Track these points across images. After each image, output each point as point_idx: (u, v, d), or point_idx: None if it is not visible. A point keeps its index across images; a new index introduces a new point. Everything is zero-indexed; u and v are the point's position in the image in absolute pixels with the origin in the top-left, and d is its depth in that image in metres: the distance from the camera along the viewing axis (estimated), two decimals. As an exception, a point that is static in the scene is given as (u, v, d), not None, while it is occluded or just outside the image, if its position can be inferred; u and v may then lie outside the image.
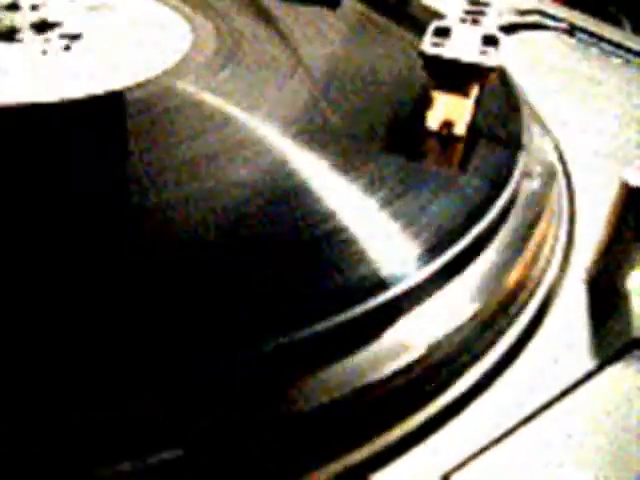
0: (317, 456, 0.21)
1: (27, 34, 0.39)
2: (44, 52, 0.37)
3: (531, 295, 0.28)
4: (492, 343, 0.26)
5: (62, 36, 0.39)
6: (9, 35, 0.39)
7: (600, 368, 0.26)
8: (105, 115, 0.33)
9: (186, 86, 0.34)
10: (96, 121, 0.32)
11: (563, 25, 0.54)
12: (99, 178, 0.28)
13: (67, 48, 0.38)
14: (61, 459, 0.18)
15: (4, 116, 0.32)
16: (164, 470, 0.19)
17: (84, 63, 0.36)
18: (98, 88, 0.34)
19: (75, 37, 0.39)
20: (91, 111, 0.33)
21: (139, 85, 0.34)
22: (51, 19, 0.40)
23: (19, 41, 0.38)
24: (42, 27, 0.39)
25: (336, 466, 0.21)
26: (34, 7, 0.41)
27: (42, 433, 0.18)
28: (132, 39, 0.40)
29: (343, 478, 0.21)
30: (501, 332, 0.26)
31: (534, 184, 0.31)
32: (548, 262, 0.30)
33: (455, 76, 0.30)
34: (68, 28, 0.40)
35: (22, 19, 0.40)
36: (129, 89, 0.34)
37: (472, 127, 0.31)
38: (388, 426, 0.22)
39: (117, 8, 0.43)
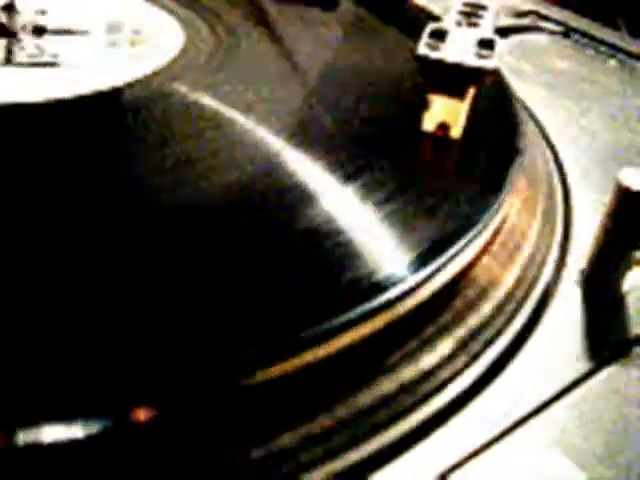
0: (316, 455, 0.21)
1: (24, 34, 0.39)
2: (36, 51, 0.37)
3: (527, 296, 0.28)
4: (489, 343, 0.26)
5: (54, 34, 0.39)
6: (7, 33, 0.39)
7: (596, 369, 0.26)
8: (93, 115, 0.33)
9: (175, 87, 0.34)
10: (84, 121, 0.32)
11: (558, 27, 0.54)
12: (88, 180, 0.28)
13: (57, 52, 0.38)
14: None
15: None
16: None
17: (74, 63, 0.37)
18: (87, 88, 0.34)
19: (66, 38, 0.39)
20: (79, 111, 0.33)
21: (128, 86, 0.34)
22: (42, 20, 0.40)
23: (17, 40, 0.38)
24: (36, 30, 0.39)
25: (334, 466, 0.21)
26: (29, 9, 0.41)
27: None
28: (124, 39, 0.39)
29: (342, 478, 0.21)
30: (498, 333, 0.26)
31: (531, 186, 0.31)
32: (544, 263, 0.30)
33: (450, 79, 0.30)
34: (59, 29, 0.40)
35: (19, 21, 0.40)
36: (118, 89, 0.34)
37: (468, 129, 0.32)
38: (386, 426, 0.22)
39: (109, 8, 0.43)
